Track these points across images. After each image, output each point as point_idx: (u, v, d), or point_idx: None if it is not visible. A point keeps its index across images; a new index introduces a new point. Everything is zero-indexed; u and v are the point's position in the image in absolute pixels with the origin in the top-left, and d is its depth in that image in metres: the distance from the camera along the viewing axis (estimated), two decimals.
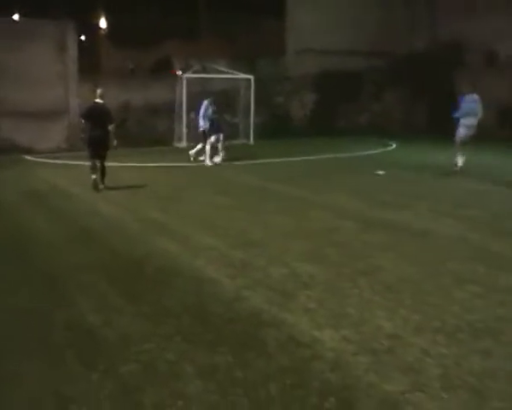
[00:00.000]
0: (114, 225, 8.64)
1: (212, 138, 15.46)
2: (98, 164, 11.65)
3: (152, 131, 21.42)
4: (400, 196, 10.98)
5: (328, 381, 3.86)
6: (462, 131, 13.72)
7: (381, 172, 13.81)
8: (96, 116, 11.44)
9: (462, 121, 13.66)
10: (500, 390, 3.71)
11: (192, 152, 16.31)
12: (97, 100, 11.68)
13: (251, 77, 21.94)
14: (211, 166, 15.41)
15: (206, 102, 16.05)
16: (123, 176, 13.31)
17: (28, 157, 17.76)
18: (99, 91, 11.73)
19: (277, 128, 23.06)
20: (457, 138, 13.80)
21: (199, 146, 16.17)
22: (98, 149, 11.54)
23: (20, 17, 26.18)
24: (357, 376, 3.92)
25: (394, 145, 20.72)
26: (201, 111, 15.94)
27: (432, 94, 24.74)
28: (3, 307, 5.34)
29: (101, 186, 11.57)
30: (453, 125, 13.89)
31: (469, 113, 13.55)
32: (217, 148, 15.69)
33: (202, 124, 15.92)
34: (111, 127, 11.56)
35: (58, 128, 20.08)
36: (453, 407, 3.52)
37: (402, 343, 4.43)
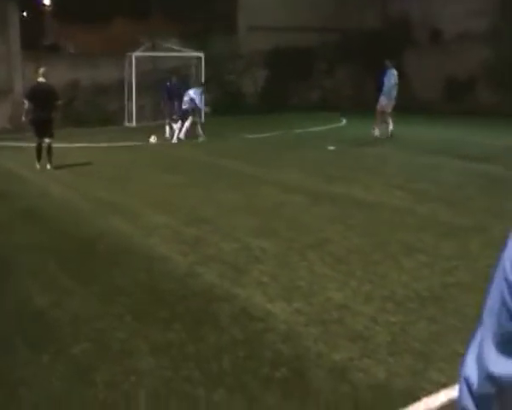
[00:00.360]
0: (64, 206, 8.48)
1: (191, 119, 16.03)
2: (44, 144, 11.36)
3: (102, 111, 20.93)
4: (350, 170, 11.14)
5: (279, 352, 3.93)
6: (384, 101, 15.04)
7: (331, 148, 13.96)
8: (39, 96, 11.15)
9: (385, 93, 15.06)
10: (444, 353, 3.85)
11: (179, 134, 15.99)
12: (40, 79, 11.36)
13: (201, 55, 21.72)
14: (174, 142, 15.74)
15: (200, 90, 16.58)
16: (72, 156, 13.00)
17: None
18: (42, 70, 11.41)
19: (229, 105, 22.91)
20: (379, 108, 15.12)
21: (178, 125, 16.08)
22: (43, 128, 11.26)
23: None
24: (308, 346, 4.00)
25: (345, 121, 20.95)
26: (192, 92, 16.09)
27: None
28: None
29: (48, 166, 11.31)
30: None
31: (391, 86, 15.03)
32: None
33: (198, 102, 16.16)
34: (58, 104, 11.37)
35: (2, 108, 19.41)
36: (399, 370, 3.65)
37: (351, 313, 4.54)
